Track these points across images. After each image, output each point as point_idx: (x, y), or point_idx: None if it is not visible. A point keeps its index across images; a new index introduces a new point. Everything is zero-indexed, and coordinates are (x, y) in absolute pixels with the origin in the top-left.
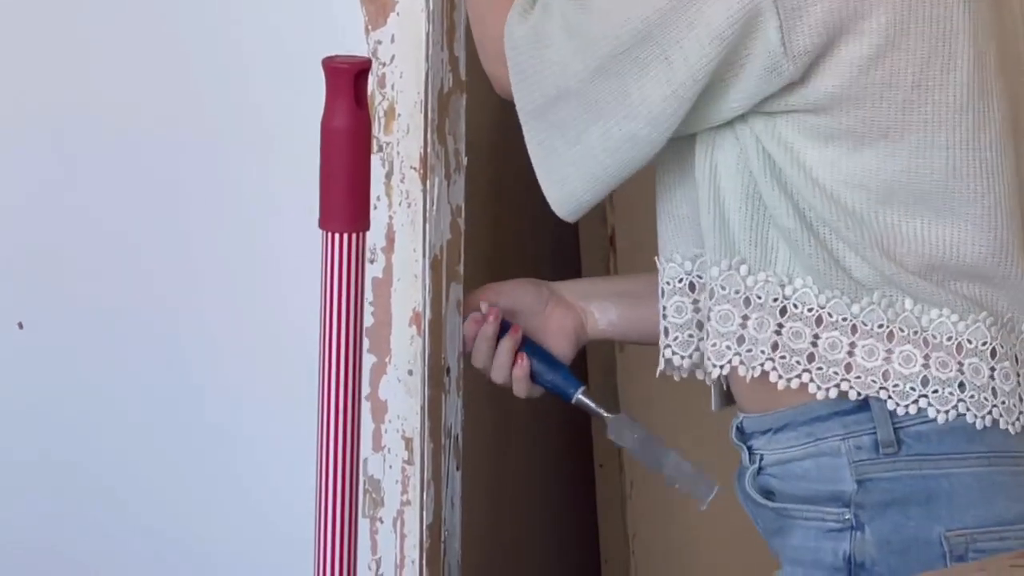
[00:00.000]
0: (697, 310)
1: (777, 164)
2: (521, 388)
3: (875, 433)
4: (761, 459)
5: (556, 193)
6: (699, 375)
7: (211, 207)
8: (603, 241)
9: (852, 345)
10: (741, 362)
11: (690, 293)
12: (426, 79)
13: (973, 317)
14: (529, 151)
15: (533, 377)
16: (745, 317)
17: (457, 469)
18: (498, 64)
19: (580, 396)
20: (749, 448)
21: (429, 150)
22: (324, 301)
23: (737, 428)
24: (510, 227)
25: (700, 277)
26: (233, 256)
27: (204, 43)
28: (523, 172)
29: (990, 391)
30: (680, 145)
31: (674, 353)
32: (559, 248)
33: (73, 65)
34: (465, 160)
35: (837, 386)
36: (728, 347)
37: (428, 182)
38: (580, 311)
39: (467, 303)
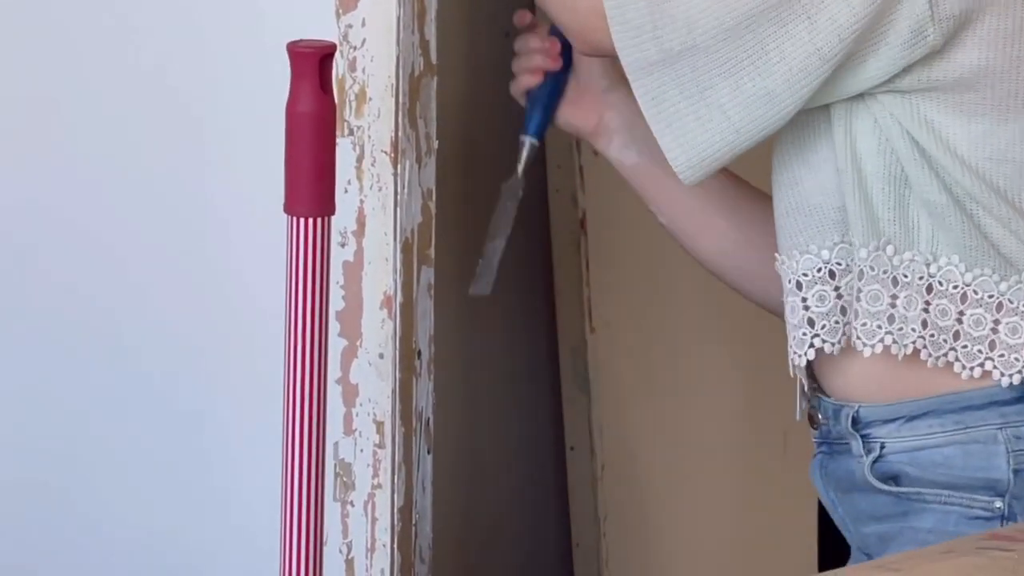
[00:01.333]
0: (840, 296)
1: (920, 144)
2: (516, 85)
3: None
4: (882, 447)
5: (676, 150)
6: (793, 363)
7: (175, 193)
8: (574, 224)
9: (996, 322)
10: (893, 340)
11: (831, 281)
12: (397, 63)
13: None
14: (641, 106)
15: (529, 93)
16: (894, 296)
17: (428, 452)
18: (591, 16)
19: (527, 140)
20: (864, 437)
21: (400, 134)
22: (289, 286)
23: (851, 418)
24: (481, 210)
25: (840, 264)
26: (199, 242)
27: (169, 26)
28: (494, 155)
29: None
30: (808, 136)
31: (824, 341)
32: (529, 231)
33: (29, 54)
34: (436, 144)
35: (981, 365)
36: (879, 326)
37: (399, 166)
38: (606, 126)
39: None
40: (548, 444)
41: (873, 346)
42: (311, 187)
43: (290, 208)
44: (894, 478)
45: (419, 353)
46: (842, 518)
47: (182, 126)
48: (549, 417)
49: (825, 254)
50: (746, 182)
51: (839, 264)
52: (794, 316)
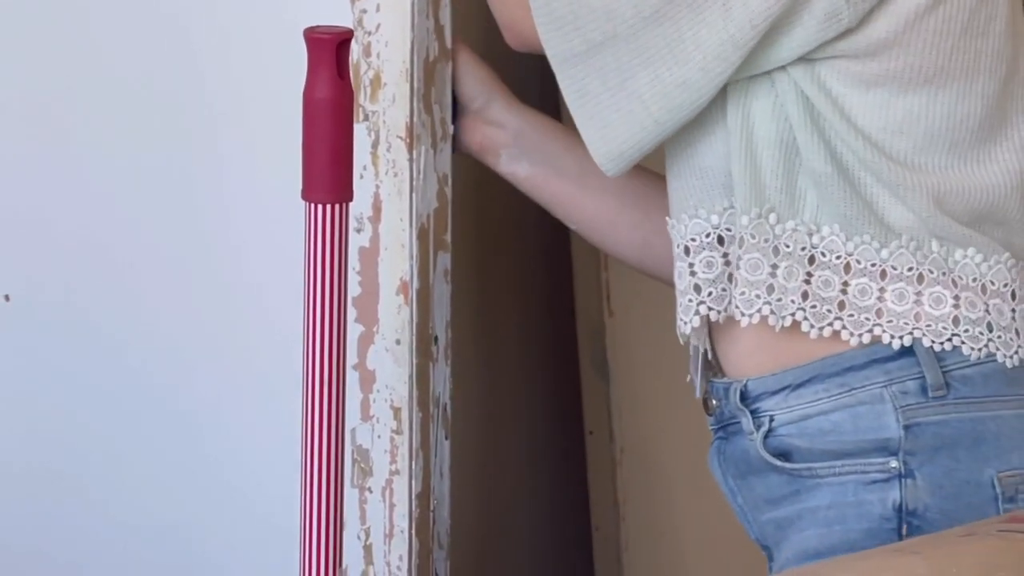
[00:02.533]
0: (728, 263)
1: (816, 109)
2: None
3: (922, 377)
4: (771, 420)
5: (598, 142)
6: (693, 340)
7: (190, 182)
8: None
9: (882, 290)
10: (771, 311)
11: (719, 247)
12: (412, 48)
13: (996, 258)
14: (566, 99)
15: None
16: (774, 266)
17: (446, 438)
18: (517, 8)
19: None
20: (753, 412)
21: (415, 119)
22: (307, 273)
23: (739, 393)
24: (497, 194)
25: (729, 230)
26: (214, 231)
27: (182, 12)
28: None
29: (1014, 332)
30: None
31: (710, 309)
32: (545, 213)
33: (34, 40)
34: (451, 129)
35: (870, 331)
36: (757, 296)
37: (414, 151)
38: (492, 145)
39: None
40: (567, 429)
41: (751, 316)
42: (329, 174)
43: (308, 195)
44: (785, 454)
45: (436, 338)
46: (741, 507)
47: (196, 114)
48: (567, 402)
49: (714, 219)
50: (647, 169)
51: (728, 230)
52: (681, 282)
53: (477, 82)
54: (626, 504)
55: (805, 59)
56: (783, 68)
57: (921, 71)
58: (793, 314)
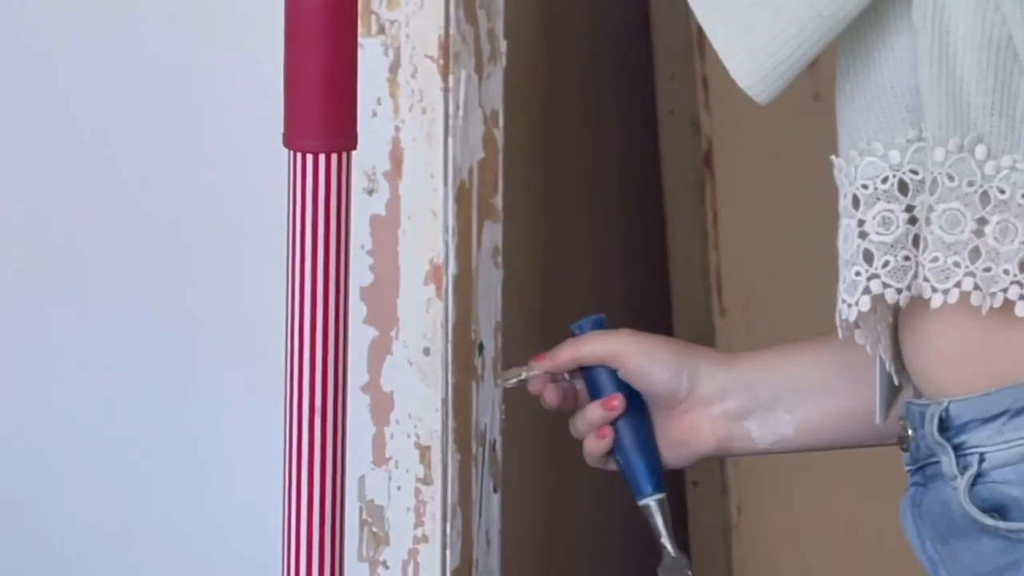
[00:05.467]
0: (913, 220)
1: None
2: (591, 457)
3: None
4: (981, 461)
5: (740, 55)
6: (859, 338)
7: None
8: (695, 160)
9: None
10: (976, 285)
11: (901, 197)
12: None
13: None
14: (691, 2)
15: (613, 450)
16: (982, 220)
17: (495, 491)
18: None
19: (651, 502)
20: (957, 448)
21: (452, 31)
22: (292, 253)
23: (938, 420)
24: (565, 142)
25: (915, 172)
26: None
27: None
28: (586, 63)
29: None
30: None
31: (885, 286)
32: (631, 170)
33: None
34: (504, 47)
35: None
36: (957, 263)
37: (451, 78)
38: (728, 425)
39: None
40: (664, 478)
41: (947, 292)
42: (320, 110)
43: (291, 140)
44: (999, 509)
45: (481, 347)
46: None
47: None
48: None
49: (894, 156)
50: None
51: (914, 173)
52: (846, 247)
53: (672, 360)
54: None
55: None
56: None
57: None
58: (1006, 290)
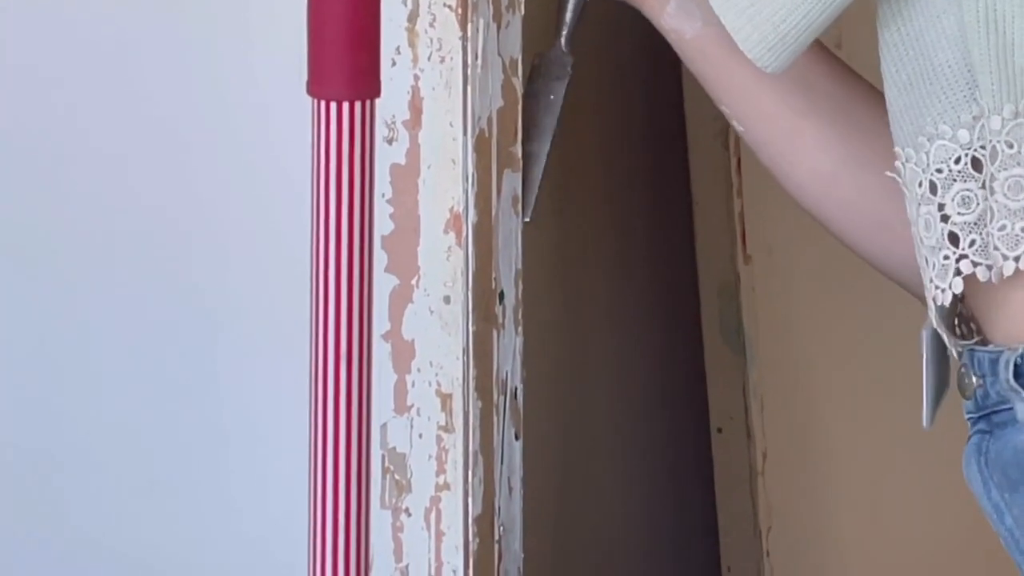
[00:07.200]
0: (993, 191)
1: None
2: None
3: None
4: None
5: (744, 24)
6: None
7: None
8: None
9: None
10: None
11: (976, 174)
12: None
13: None
14: None
15: None
16: None
17: (516, 438)
18: None
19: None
20: None
21: None
22: (315, 203)
23: (1013, 366)
24: (588, 89)
25: (985, 149)
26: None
27: None
28: (608, 8)
29: None
30: None
31: (975, 265)
32: (655, 119)
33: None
34: None
35: None
36: None
37: (469, 26)
38: None
39: None
40: (686, 424)
41: (1018, 259)
42: (344, 58)
43: (315, 89)
44: None
45: (502, 295)
46: (1010, 531)
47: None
48: (687, 386)
49: (963, 135)
50: (853, 72)
51: (983, 149)
52: (930, 234)
53: None
54: (771, 533)
55: None
56: None
57: None
58: None
